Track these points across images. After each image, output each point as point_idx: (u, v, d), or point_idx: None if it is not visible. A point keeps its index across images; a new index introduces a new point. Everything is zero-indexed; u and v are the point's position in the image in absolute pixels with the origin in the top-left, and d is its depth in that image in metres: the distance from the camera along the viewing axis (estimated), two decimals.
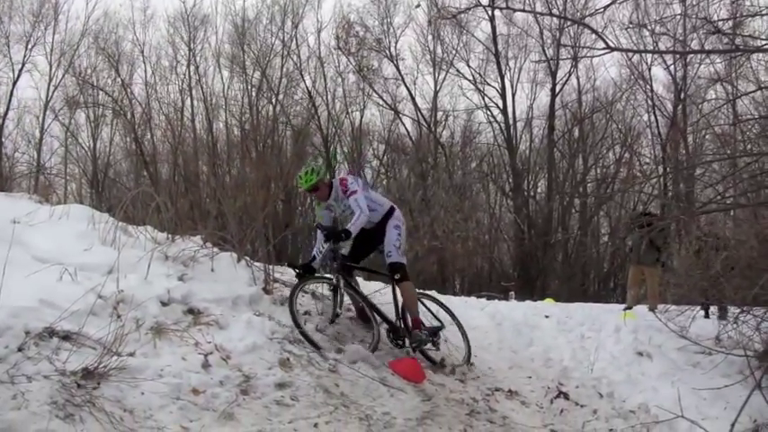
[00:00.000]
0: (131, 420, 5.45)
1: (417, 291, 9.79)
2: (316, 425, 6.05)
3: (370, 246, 9.44)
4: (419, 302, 9.48)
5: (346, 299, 9.25)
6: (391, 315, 9.21)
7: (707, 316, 13.62)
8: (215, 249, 9.19)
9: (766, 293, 9.39)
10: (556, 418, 8.42)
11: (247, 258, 9.43)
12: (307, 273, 9.02)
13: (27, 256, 7.35)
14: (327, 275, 9.45)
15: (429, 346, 9.20)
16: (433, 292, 11.63)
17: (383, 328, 9.07)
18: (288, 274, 10.25)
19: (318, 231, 9.19)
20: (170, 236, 9.41)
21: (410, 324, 9.08)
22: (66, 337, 6.08)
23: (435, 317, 9.78)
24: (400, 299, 9.15)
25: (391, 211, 9.39)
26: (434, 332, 9.33)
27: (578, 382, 9.71)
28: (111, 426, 5.25)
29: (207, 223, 10.34)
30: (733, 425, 6.65)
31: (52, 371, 5.55)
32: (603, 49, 8.90)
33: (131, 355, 6.19)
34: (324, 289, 9.41)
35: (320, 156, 45.64)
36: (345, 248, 9.26)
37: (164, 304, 7.34)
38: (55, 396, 5.26)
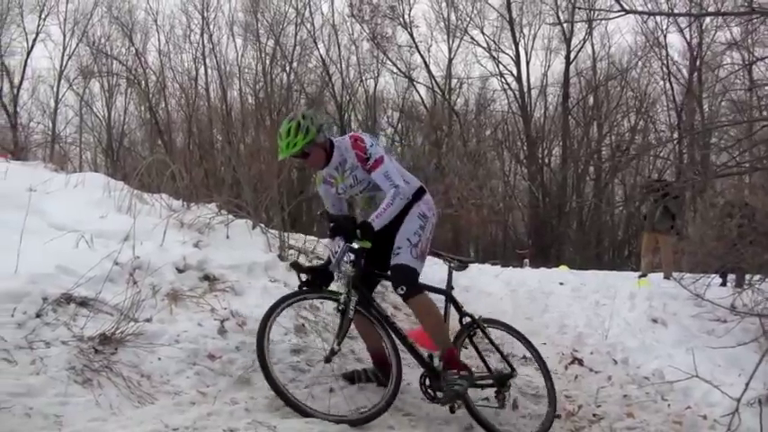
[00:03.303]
0: (149, 385, 5.48)
1: (484, 318, 7.03)
2: (331, 390, 6.06)
3: (391, 242, 6.22)
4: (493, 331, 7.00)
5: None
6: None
7: (724, 284, 13.60)
8: (230, 216, 9.21)
9: None
10: (570, 384, 8.44)
11: (262, 225, 9.45)
12: (318, 281, 6.14)
13: (43, 224, 7.39)
14: (334, 291, 6.27)
15: (486, 401, 6.56)
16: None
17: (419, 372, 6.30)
18: (302, 240, 10.26)
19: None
20: (185, 203, 9.44)
21: (439, 360, 6.19)
22: (84, 303, 6.11)
23: (503, 357, 7.04)
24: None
25: (420, 193, 6.34)
26: (501, 381, 6.59)
27: (593, 348, 9.73)
28: (129, 390, 5.29)
29: (222, 191, 10.37)
30: (747, 385, 6.65)
31: (70, 336, 5.58)
32: (618, 11, 8.81)
33: (148, 320, 6.21)
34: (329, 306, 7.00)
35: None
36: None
37: (180, 271, 7.34)
38: (73, 361, 5.29)
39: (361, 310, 6.00)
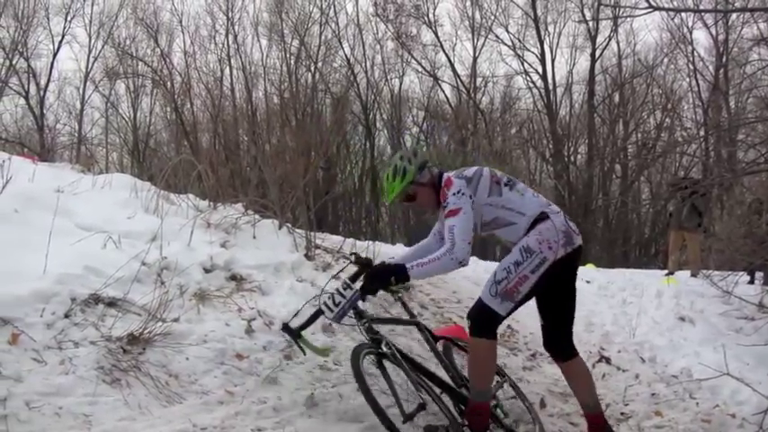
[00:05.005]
0: (177, 385, 5.50)
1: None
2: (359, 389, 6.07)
3: None
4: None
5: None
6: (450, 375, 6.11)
7: (752, 281, 13.53)
8: (256, 216, 9.23)
9: None
10: (598, 383, 8.36)
11: (289, 225, 9.46)
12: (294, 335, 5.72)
13: (71, 225, 7.41)
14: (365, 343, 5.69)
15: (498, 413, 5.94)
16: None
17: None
18: (329, 240, 10.26)
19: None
20: (212, 203, 9.47)
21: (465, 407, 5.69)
22: (112, 303, 6.14)
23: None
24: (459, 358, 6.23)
25: (538, 220, 5.82)
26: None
27: (620, 346, 9.69)
28: (157, 390, 5.32)
29: (248, 191, 10.39)
30: None
31: (98, 336, 5.62)
32: (644, 8, 8.74)
33: (176, 320, 6.23)
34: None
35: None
36: None
37: (207, 271, 7.37)
38: (101, 361, 5.33)
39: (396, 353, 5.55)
